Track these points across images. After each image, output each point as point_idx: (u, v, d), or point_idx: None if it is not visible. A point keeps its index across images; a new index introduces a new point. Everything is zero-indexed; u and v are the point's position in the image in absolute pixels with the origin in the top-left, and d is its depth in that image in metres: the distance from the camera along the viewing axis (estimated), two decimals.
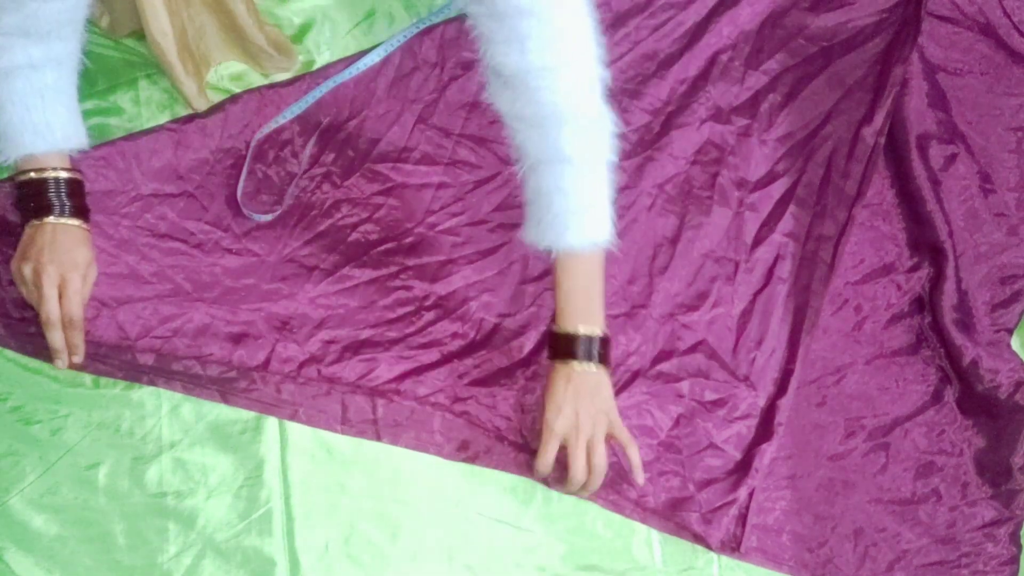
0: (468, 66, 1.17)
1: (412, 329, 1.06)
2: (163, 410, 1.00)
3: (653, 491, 1.05)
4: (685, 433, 1.08)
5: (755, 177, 1.20)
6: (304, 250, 1.08)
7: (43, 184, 0.94)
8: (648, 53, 1.22)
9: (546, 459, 0.97)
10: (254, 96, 1.11)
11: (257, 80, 1.14)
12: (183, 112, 1.10)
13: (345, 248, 1.08)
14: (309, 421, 1.02)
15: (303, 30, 1.18)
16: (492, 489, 1.04)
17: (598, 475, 0.97)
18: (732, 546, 1.06)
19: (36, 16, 0.87)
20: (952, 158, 1.24)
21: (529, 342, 1.08)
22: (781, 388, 1.11)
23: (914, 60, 1.24)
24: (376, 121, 1.13)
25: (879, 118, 1.21)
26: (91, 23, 0.99)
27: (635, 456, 0.99)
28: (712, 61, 1.23)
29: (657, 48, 1.22)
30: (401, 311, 1.07)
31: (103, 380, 1.00)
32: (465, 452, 1.04)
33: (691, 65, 1.22)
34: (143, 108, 1.11)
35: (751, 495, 1.06)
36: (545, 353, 1.02)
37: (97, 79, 1.09)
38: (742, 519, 1.06)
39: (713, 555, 1.07)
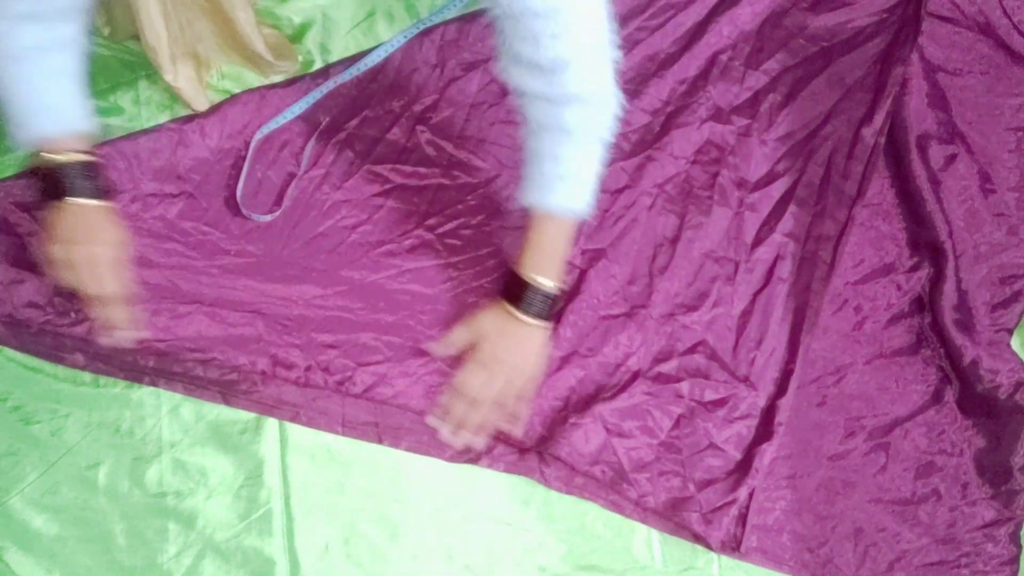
0: (468, 67, 1.17)
1: (412, 331, 1.06)
2: (163, 410, 1.01)
3: (653, 491, 1.05)
4: (685, 433, 1.08)
5: (755, 177, 1.20)
6: (303, 251, 1.08)
7: (60, 165, 0.93)
8: (648, 53, 1.22)
9: (443, 351, 1.04)
10: (254, 96, 1.11)
11: (257, 80, 1.14)
12: (183, 112, 1.10)
13: (345, 249, 1.09)
14: (310, 423, 1.02)
15: (303, 30, 1.18)
16: (492, 489, 1.04)
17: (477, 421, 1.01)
18: (732, 546, 1.06)
19: (42, 0, 0.88)
20: (952, 158, 1.24)
21: None
22: (781, 388, 1.11)
23: (914, 60, 1.24)
24: (376, 122, 1.14)
25: (879, 118, 1.21)
26: (94, 32, 0.99)
27: (517, 429, 1.03)
28: (712, 61, 1.23)
29: (657, 48, 1.23)
30: (401, 313, 1.07)
31: (103, 380, 1.00)
32: (466, 454, 1.04)
33: (691, 65, 1.23)
34: (143, 108, 1.11)
35: (751, 495, 1.06)
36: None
37: (97, 79, 1.09)
38: (742, 519, 1.06)
39: (713, 555, 1.07)
